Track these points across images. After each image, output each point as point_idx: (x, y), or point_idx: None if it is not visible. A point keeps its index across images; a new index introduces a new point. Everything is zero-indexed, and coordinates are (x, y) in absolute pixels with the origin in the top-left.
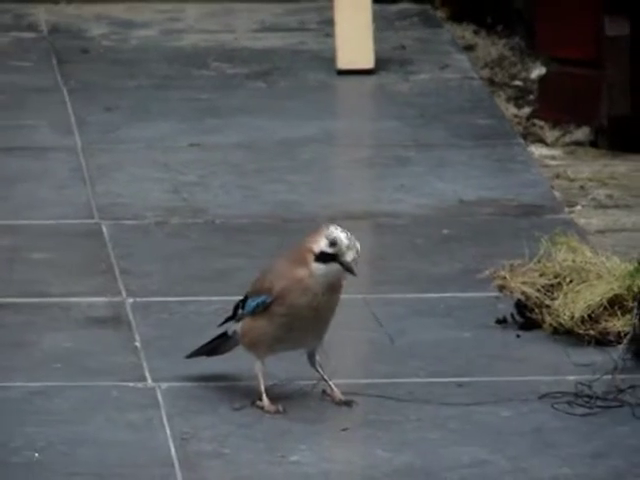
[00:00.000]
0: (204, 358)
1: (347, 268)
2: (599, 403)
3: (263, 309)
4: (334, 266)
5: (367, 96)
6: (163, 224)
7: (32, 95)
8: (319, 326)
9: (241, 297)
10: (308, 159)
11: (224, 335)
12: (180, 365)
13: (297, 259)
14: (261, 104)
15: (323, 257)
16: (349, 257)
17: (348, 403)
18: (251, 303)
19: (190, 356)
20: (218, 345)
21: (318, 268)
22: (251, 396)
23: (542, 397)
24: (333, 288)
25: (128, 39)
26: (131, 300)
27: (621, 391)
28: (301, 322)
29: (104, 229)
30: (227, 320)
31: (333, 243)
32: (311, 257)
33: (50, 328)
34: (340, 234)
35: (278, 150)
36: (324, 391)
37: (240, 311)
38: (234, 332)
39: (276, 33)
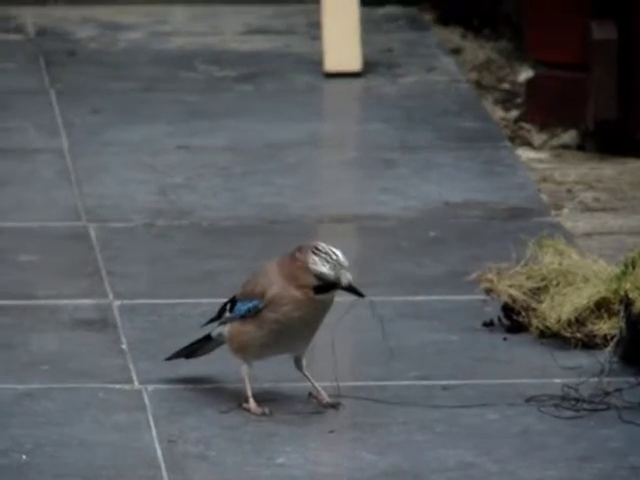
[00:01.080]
0: (190, 360)
1: (353, 293)
2: (585, 406)
3: (254, 314)
4: (335, 292)
5: (354, 99)
6: (150, 226)
7: (19, 97)
8: (308, 333)
9: (226, 299)
10: (295, 162)
11: (207, 337)
12: (166, 367)
13: (292, 277)
14: (248, 107)
15: (322, 289)
16: (345, 283)
17: (335, 405)
18: (241, 307)
19: (170, 358)
20: (198, 347)
21: (325, 297)
22: (238, 398)
23: (529, 400)
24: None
25: (115, 41)
26: (118, 302)
27: (607, 394)
28: (291, 330)
29: (91, 231)
30: (210, 321)
31: (321, 279)
32: (309, 289)
33: (37, 330)
34: (322, 269)
35: (265, 152)
36: (310, 394)
37: (227, 314)
38: (218, 334)
39: (263, 36)
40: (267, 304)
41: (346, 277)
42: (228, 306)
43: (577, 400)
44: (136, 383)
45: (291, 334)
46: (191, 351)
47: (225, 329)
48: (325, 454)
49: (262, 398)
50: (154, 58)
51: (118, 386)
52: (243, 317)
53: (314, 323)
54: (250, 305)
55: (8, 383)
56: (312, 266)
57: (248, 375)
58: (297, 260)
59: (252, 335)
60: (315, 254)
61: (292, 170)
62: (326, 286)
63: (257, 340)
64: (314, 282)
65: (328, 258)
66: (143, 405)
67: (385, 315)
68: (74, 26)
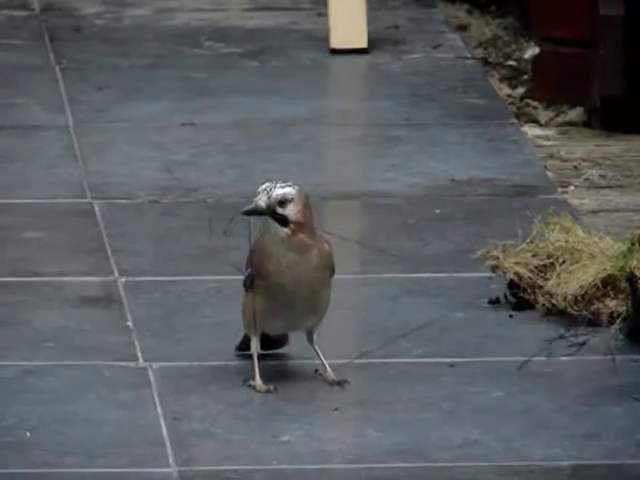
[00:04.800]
0: (195, 337)
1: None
2: (592, 384)
3: (250, 283)
4: (265, 219)
5: (360, 75)
6: (155, 203)
7: (24, 74)
8: (311, 297)
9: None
10: (300, 138)
11: None
12: (171, 345)
13: None
14: (254, 83)
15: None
16: (258, 201)
17: (340, 383)
18: (244, 279)
19: (239, 349)
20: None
21: (259, 227)
22: (242, 376)
23: (534, 377)
24: (295, 246)
25: (121, 18)
26: (123, 279)
27: (614, 372)
28: (284, 290)
29: (96, 208)
30: None
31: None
32: None
33: (42, 307)
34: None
35: (270, 129)
36: (317, 370)
37: None
38: None
39: (269, 12)
40: (254, 271)
41: (258, 198)
42: None
43: (583, 377)
44: (141, 360)
45: (285, 295)
46: (265, 340)
47: None
48: (330, 431)
49: (268, 375)
50: (159, 35)
51: (123, 363)
52: (246, 290)
53: (304, 281)
54: (246, 275)
55: (13, 360)
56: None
57: (257, 351)
58: None
59: (252, 305)
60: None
61: (297, 147)
62: (259, 214)
63: (258, 309)
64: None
65: (268, 184)
66: (148, 382)
67: (391, 292)
68: (80, 2)
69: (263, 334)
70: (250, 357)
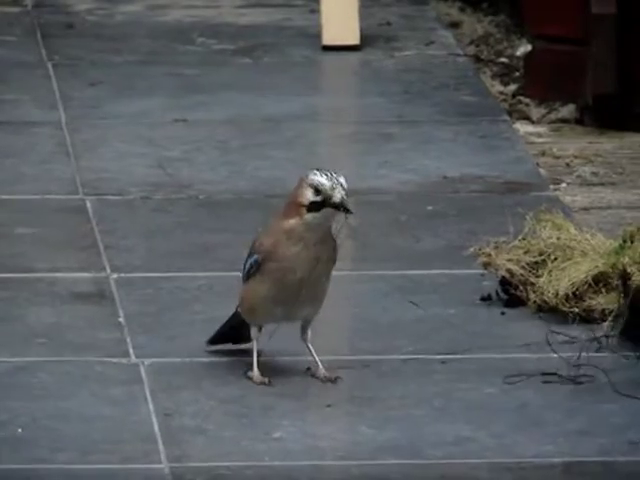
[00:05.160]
0: (186, 334)
1: (341, 209)
2: (584, 380)
3: (256, 270)
4: (327, 211)
5: (352, 72)
6: (147, 199)
7: (16, 70)
8: (315, 286)
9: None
10: (293, 135)
11: (236, 313)
12: (163, 341)
13: (286, 214)
14: (246, 80)
15: (314, 207)
16: (337, 198)
17: (333, 380)
18: (245, 265)
19: (212, 342)
20: (239, 326)
21: (314, 217)
22: (234, 372)
23: (526, 374)
24: (325, 238)
25: (113, 14)
26: (115, 275)
27: (606, 369)
28: (294, 276)
29: (88, 204)
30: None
31: (317, 190)
32: (303, 210)
33: (34, 303)
34: (320, 178)
35: (263, 126)
36: (309, 368)
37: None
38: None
39: (261, 9)
40: (265, 255)
41: (340, 193)
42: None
43: (575, 375)
44: (133, 356)
45: (294, 283)
46: (235, 335)
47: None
48: (323, 428)
49: (261, 371)
50: (152, 31)
51: (115, 359)
52: (248, 276)
53: (316, 272)
54: (251, 260)
55: (5, 356)
56: (311, 177)
57: (257, 341)
58: (292, 196)
59: (257, 291)
60: (318, 170)
61: (290, 144)
62: (317, 204)
63: (263, 295)
64: (309, 198)
65: (329, 174)
66: (140, 378)
67: (382, 289)
68: None
69: (233, 327)
70: (240, 352)
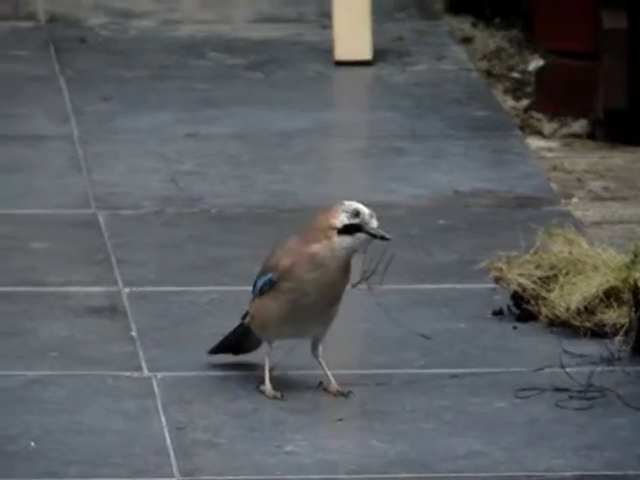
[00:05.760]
0: (197, 348)
1: (376, 235)
2: (594, 395)
3: (270, 287)
4: (360, 236)
5: (364, 87)
6: (159, 213)
7: (29, 84)
8: (326, 308)
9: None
10: (304, 150)
11: (241, 325)
12: (176, 355)
13: (309, 239)
14: (258, 95)
15: (348, 229)
16: (374, 224)
17: (344, 393)
18: (258, 282)
19: (214, 352)
20: (241, 338)
21: (343, 241)
22: (247, 386)
23: (537, 389)
24: (346, 267)
25: (126, 29)
26: (127, 290)
27: (617, 383)
28: (308, 299)
29: (100, 218)
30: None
31: (356, 214)
32: (332, 232)
33: (47, 317)
34: (358, 205)
35: (274, 141)
36: (321, 382)
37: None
38: (246, 314)
39: (274, 24)
40: (281, 274)
41: (376, 222)
42: (252, 287)
43: (586, 389)
44: (145, 370)
45: (308, 304)
46: (236, 346)
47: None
48: (334, 442)
49: (272, 385)
50: (164, 46)
51: (127, 373)
52: (261, 292)
53: (330, 294)
54: (266, 279)
55: (18, 370)
56: (347, 203)
57: (268, 356)
58: (322, 220)
59: (270, 309)
60: (347, 202)
61: (301, 158)
62: (352, 227)
63: (275, 314)
64: (343, 221)
65: (361, 205)
66: (152, 392)
67: (394, 303)
68: (85, 13)
69: (236, 338)
70: (252, 367)
